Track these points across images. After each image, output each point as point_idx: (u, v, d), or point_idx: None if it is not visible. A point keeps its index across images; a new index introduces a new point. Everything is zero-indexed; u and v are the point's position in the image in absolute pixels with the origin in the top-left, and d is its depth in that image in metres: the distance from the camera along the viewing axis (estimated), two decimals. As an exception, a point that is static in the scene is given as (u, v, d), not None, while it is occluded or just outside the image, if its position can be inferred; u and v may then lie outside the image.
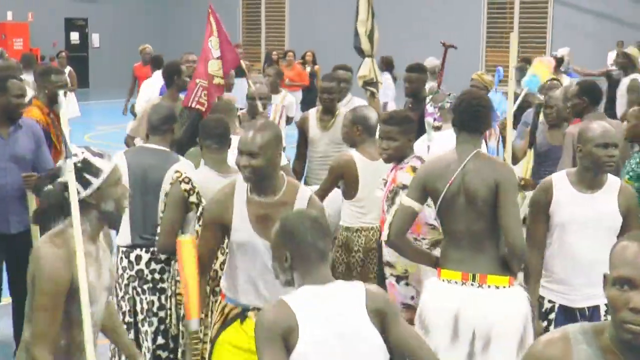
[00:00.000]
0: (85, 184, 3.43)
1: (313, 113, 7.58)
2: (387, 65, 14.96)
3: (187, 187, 4.90)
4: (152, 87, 10.24)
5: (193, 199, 4.90)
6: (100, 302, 3.52)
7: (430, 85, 9.51)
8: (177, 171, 4.99)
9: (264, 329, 3.13)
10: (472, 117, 4.58)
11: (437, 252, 4.96)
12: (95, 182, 3.44)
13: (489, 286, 4.45)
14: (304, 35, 25.96)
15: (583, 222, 4.63)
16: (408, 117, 5.37)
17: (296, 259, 3.27)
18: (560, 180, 4.72)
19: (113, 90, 22.29)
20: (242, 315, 4.20)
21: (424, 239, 5.09)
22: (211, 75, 7.02)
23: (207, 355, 4.40)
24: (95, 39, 29.07)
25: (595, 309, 4.68)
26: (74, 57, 23.85)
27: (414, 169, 5.13)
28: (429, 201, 4.97)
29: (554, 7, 24.14)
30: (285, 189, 4.18)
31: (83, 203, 3.43)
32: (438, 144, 6.12)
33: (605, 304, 4.46)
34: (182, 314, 5.05)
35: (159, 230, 5.05)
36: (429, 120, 6.29)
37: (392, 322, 3.28)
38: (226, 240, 4.52)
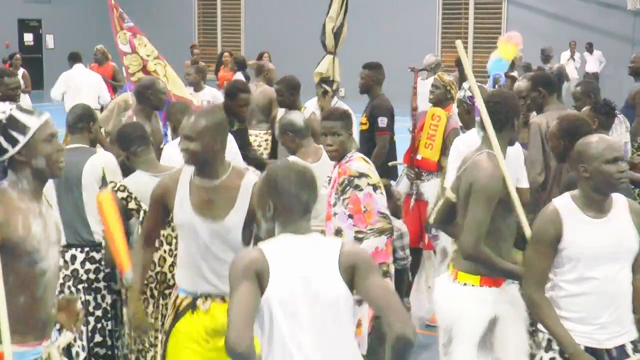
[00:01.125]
0: (12, 141, 3.41)
1: (281, 113, 7.90)
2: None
3: (124, 194, 4.95)
4: (70, 79, 12.44)
5: (132, 205, 4.95)
6: (50, 257, 3.51)
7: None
8: (111, 181, 5.04)
9: (238, 268, 3.28)
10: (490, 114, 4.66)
11: (381, 239, 5.10)
12: (22, 139, 3.41)
13: (458, 282, 4.62)
14: (259, 36, 25.93)
15: (604, 252, 4.09)
16: (347, 112, 5.45)
17: (279, 209, 3.39)
18: (567, 208, 4.14)
19: (68, 92, 22.06)
20: (193, 304, 4.27)
21: (371, 229, 5.07)
22: (130, 73, 7.18)
23: (160, 350, 4.46)
24: (49, 40, 28.80)
25: (621, 348, 4.17)
26: (28, 59, 23.60)
27: (365, 159, 5.26)
28: (381, 190, 5.18)
29: (508, 8, 24.37)
30: (230, 174, 4.28)
31: (14, 161, 3.43)
32: None
33: (632, 341, 4.19)
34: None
35: (103, 243, 5.09)
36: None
37: (361, 277, 3.33)
38: (174, 241, 4.74)
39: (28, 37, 28.38)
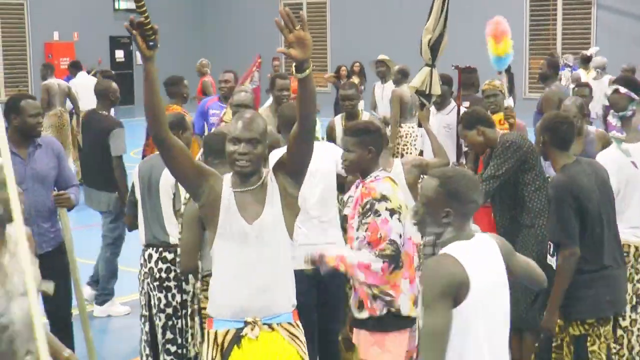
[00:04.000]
0: None
1: (339, 120, 8.00)
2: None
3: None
4: (76, 86, 14.28)
5: None
6: (13, 310, 3.36)
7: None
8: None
9: (441, 282, 3.26)
10: None
11: (376, 260, 4.80)
12: None
13: None
14: (346, 47, 25.99)
15: None
16: (368, 128, 5.08)
17: (457, 216, 3.43)
18: None
19: (158, 107, 22.44)
20: (237, 338, 3.97)
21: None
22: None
23: None
24: (139, 57, 29.35)
25: None
26: (120, 75, 24.14)
27: (392, 179, 5.00)
28: (400, 215, 4.87)
29: (597, 13, 23.95)
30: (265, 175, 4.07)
31: None
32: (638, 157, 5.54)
33: None
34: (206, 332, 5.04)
35: (179, 251, 5.18)
36: (614, 134, 5.60)
37: (513, 258, 3.61)
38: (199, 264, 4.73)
39: (119, 54, 29.01)
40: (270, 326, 3.97)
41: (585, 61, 15.33)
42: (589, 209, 4.92)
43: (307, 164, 4.04)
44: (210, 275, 4.84)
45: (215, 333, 4.01)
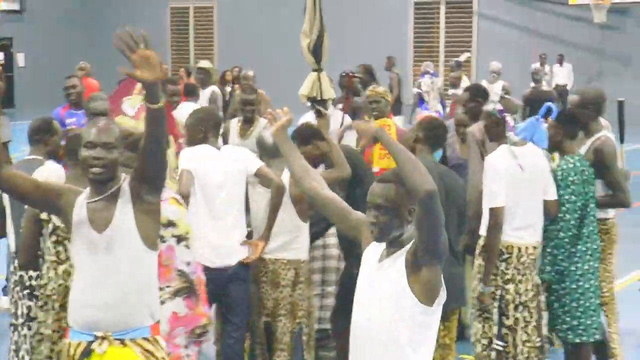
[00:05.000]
0: None
1: (234, 123, 8.13)
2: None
3: None
4: None
5: (44, 215, 4.87)
6: None
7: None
8: None
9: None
10: None
11: (177, 302, 4.84)
12: None
13: None
14: (231, 53, 25.93)
15: None
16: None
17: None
18: None
19: (39, 110, 21.95)
20: (87, 351, 3.83)
21: (168, 286, 4.82)
22: None
23: None
24: (20, 59, 28.65)
25: None
26: (-1, 77, 23.50)
27: (178, 200, 4.91)
28: (187, 242, 4.85)
29: (479, 22, 24.55)
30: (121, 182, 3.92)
31: None
32: (525, 159, 5.57)
33: None
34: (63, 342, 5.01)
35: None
36: (511, 135, 5.59)
37: None
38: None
39: (-1, 56, 28.26)
40: (122, 342, 3.82)
41: (459, 66, 17.46)
42: None
43: (159, 175, 3.85)
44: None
45: (69, 344, 3.91)
